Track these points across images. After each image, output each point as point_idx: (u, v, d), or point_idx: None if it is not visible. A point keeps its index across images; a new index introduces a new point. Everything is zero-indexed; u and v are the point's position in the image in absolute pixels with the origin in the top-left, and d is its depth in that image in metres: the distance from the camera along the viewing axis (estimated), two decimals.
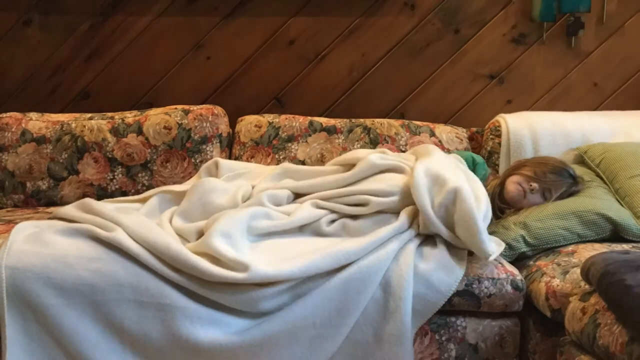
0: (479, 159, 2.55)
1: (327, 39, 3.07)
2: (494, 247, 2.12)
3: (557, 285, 2.06)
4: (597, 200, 2.40)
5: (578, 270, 1.99)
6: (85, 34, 3.08)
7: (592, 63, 3.08)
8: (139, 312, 1.99)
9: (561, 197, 2.42)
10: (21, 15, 3.07)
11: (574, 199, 2.42)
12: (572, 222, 2.31)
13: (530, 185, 2.43)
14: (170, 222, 2.23)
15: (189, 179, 2.70)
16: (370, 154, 2.38)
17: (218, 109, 2.90)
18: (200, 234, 2.14)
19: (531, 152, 2.78)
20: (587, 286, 1.94)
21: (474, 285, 2.10)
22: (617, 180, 2.50)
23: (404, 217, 2.16)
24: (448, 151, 2.76)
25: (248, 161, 2.80)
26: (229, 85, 3.11)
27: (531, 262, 2.27)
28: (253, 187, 2.40)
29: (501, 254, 2.21)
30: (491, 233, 2.32)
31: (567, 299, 2.01)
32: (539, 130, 2.80)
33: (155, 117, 2.83)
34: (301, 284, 2.00)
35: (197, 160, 2.78)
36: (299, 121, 2.87)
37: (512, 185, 2.45)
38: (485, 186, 2.37)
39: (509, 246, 2.28)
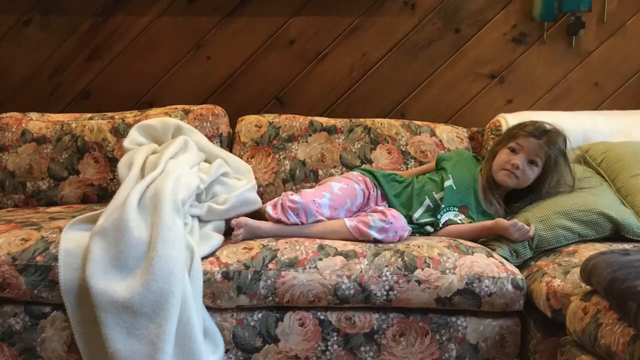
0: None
1: (328, 38, 3.07)
2: None
3: (558, 286, 2.06)
4: (598, 198, 2.39)
5: (579, 271, 1.98)
6: (85, 34, 3.08)
7: (593, 63, 3.08)
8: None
9: (555, 163, 2.39)
10: (21, 15, 3.07)
11: (575, 195, 2.40)
12: (574, 222, 2.30)
13: (513, 164, 2.40)
14: None
15: None
16: None
17: (218, 109, 2.89)
18: None
19: None
20: (588, 287, 1.94)
21: (475, 284, 2.10)
22: (619, 179, 2.50)
23: None
24: (448, 150, 2.77)
25: (248, 161, 2.79)
26: (229, 85, 3.11)
27: (532, 262, 2.27)
28: None
29: (508, 261, 2.24)
30: (494, 239, 2.33)
31: (568, 299, 2.00)
32: None
33: (156, 117, 2.82)
34: None
35: None
36: (299, 121, 2.86)
37: (500, 174, 2.42)
38: None
39: (516, 253, 2.27)
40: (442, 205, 2.43)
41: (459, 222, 2.40)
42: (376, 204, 2.43)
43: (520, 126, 2.46)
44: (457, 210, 2.42)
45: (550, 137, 2.40)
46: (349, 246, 2.21)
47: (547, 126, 2.43)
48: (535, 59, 3.08)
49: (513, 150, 2.42)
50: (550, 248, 2.29)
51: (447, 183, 2.46)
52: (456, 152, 2.72)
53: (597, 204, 2.35)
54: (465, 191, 2.46)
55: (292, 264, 2.13)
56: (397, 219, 2.28)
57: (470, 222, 2.41)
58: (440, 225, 2.41)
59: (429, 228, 2.42)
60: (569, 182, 2.43)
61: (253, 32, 3.07)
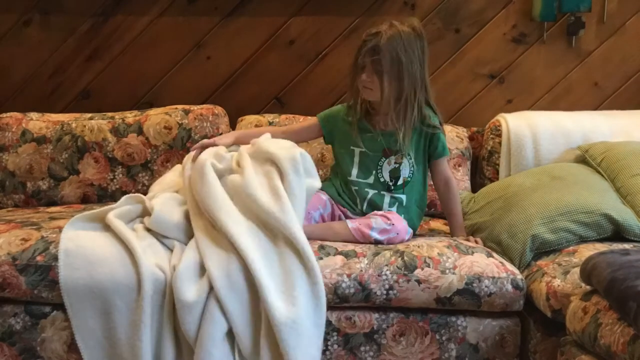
0: None
1: (328, 38, 3.07)
2: None
3: (558, 286, 2.06)
4: (599, 196, 2.39)
5: (579, 270, 1.98)
6: (85, 34, 3.08)
7: (593, 63, 3.08)
8: None
9: (393, 62, 2.27)
10: (21, 15, 3.07)
11: (577, 194, 2.40)
12: (576, 224, 2.30)
13: (361, 80, 2.31)
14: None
15: None
16: None
17: (218, 109, 2.90)
18: None
19: (532, 152, 2.78)
20: (588, 287, 1.94)
21: (474, 284, 2.10)
22: (619, 179, 2.50)
23: None
24: None
25: None
26: (229, 85, 3.11)
27: (532, 262, 2.27)
28: None
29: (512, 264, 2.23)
30: (496, 241, 2.34)
31: (567, 299, 2.01)
32: (539, 130, 2.80)
33: (156, 117, 2.83)
34: None
35: None
36: (299, 121, 2.86)
37: (361, 91, 2.34)
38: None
39: (519, 259, 2.27)
40: (375, 168, 2.39)
41: (396, 165, 2.38)
42: (342, 212, 2.44)
43: (361, 48, 2.32)
44: (384, 159, 2.39)
45: (375, 40, 2.28)
46: (349, 246, 2.21)
47: (374, 30, 2.31)
48: (535, 59, 3.08)
49: (362, 69, 2.32)
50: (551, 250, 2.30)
51: (358, 150, 2.40)
52: (329, 116, 2.51)
53: (600, 204, 2.34)
54: (374, 139, 2.39)
55: None
56: (398, 221, 2.29)
57: (403, 157, 2.38)
58: (399, 182, 2.39)
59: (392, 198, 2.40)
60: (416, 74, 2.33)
61: (253, 32, 3.07)
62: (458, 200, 2.48)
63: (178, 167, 2.68)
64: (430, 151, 2.43)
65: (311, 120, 2.57)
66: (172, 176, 2.60)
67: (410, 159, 2.40)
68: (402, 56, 2.29)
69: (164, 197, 2.28)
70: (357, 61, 2.33)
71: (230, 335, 2.02)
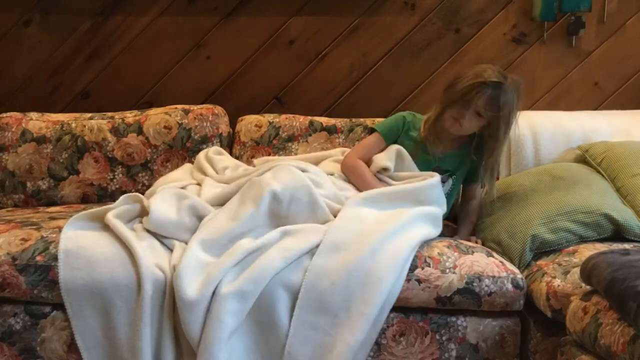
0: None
1: (328, 38, 3.07)
2: None
3: (558, 286, 2.06)
4: (599, 196, 2.39)
5: (579, 271, 1.98)
6: (85, 34, 3.08)
7: (593, 62, 3.08)
8: None
9: (505, 115, 2.37)
10: (21, 15, 3.07)
11: (577, 194, 2.40)
12: (576, 224, 2.30)
13: (459, 114, 2.37)
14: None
15: None
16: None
17: (218, 109, 2.90)
18: None
19: (532, 152, 2.78)
20: (588, 287, 1.94)
21: (475, 284, 2.10)
22: (619, 179, 2.50)
23: None
24: None
25: (248, 161, 2.79)
26: (229, 85, 3.11)
27: (532, 262, 2.27)
28: None
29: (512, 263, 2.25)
30: (496, 241, 2.34)
31: (568, 299, 2.00)
32: (539, 130, 2.80)
33: (156, 117, 2.83)
34: None
35: None
36: (299, 121, 2.86)
37: (449, 121, 2.41)
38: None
39: (519, 259, 2.27)
40: None
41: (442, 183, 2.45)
42: None
43: (477, 89, 2.34)
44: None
45: (498, 90, 2.35)
46: None
47: (496, 78, 2.36)
48: (536, 59, 3.08)
49: (468, 107, 2.37)
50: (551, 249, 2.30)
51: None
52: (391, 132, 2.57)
53: (600, 204, 2.34)
54: (428, 162, 2.49)
55: None
56: None
57: (449, 178, 2.51)
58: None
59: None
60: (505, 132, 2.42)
61: (253, 32, 3.07)
62: (476, 215, 2.55)
63: (188, 165, 2.68)
64: (470, 173, 2.55)
65: (375, 137, 2.55)
66: (179, 173, 2.59)
67: (456, 179, 2.52)
68: (514, 108, 2.40)
69: (163, 194, 2.27)
70: (465, 98, 2.35)
71: (234, 335, 2.02)
